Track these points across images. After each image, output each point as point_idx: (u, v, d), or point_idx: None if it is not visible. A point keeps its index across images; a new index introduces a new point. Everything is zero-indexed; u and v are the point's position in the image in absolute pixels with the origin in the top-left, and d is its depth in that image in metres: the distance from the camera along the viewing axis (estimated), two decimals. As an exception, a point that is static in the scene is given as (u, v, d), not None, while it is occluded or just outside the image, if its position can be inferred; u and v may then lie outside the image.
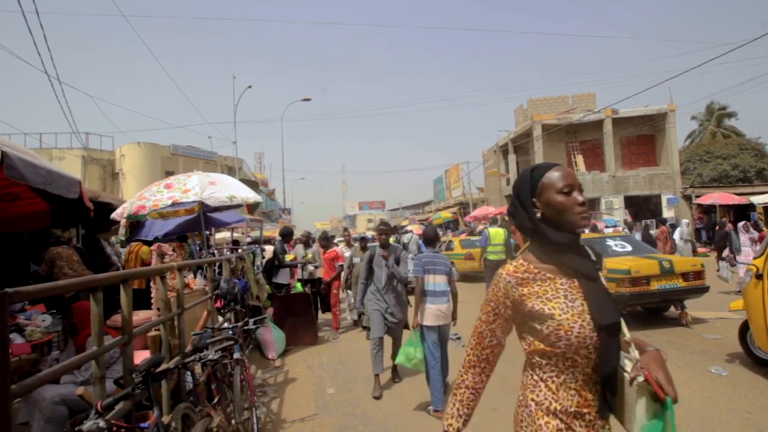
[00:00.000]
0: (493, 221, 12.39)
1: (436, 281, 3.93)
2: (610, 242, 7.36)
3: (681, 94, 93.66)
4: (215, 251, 8.07)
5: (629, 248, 7.18)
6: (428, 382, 3.87)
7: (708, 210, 20.57)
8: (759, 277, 4.12)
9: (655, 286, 6.15)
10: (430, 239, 4.31)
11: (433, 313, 3.85)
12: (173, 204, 5.34)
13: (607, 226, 15.36)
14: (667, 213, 21.68)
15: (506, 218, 21.22)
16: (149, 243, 6.04)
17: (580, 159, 24.82)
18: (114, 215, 5.51)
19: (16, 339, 3.33)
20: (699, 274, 6.43)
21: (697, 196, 20.75)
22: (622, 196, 22.83)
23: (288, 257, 7.34)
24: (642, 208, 23.37)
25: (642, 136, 24.90)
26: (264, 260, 7.70)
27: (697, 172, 24.07)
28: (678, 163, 23.21)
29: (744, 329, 4.64)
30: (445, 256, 4.22)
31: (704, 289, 6.43)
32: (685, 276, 6.34)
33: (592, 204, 23.04)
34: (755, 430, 3.25)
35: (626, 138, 24.77)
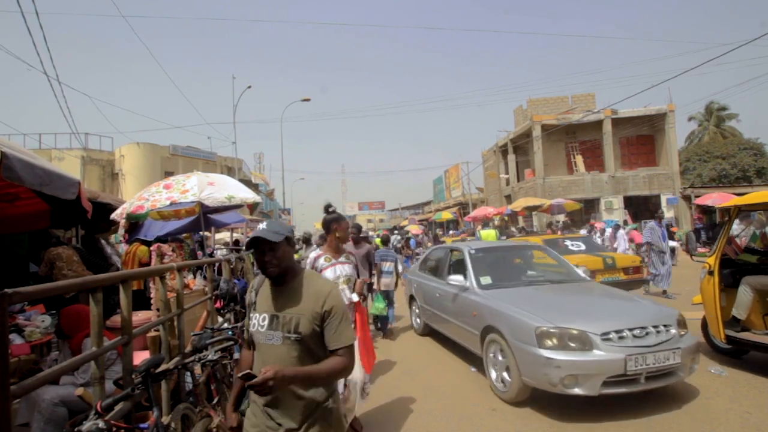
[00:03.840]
0: (485, 223, 12.54)
1: (387, 266, 6.77)
2: (568, 242, 8.88)
3: (681, 94, 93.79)
4: (214, 251, 8.07)
5: (583, 247, 8.73)
6: (381, 320, 6.65)
7: (708, 210, 20.59)
8: (711, 273, 4.61)
9: (599, 279, 7.17)
10: (384, 241, 8.23)
11: (385, 282, 6.72)
12: (171, 204, 5.34)
13: (606, 226, 15.38)
14: (667, 213, 21.70)
15: (506, 218, 21.27)
16: (148, 243, 6.04)
17: (579, 159, 24.84)
18: (114, 216, 5.51)
19: (16, 339, 3.33)
20: (638, 269, 7.88)
21: (697, 196, 20.78)
22: (621, 197, 22.85)
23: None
24: (641, 208, 23.38)
25: (641, 137, 24.94)
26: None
27: (697, 172, 24.10)
28: (677, 164, 23.24)
29: (705, 321, 4.93)
30: (393, 251, 7.29)
31: (643, 281, 8.06)
32: (625, 270, 7.62)
33: (592, 204, 23.08)
34: (755, 430, 3.26)
35: (626, 138, 24.81)
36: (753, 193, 4.88)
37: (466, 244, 6.23)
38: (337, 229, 3.18)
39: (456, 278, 4.98)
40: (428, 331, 6.42)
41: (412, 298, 6.90)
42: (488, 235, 9.66)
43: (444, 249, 6.53)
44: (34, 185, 2.55)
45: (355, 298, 3.21)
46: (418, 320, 6.69)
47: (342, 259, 3.26)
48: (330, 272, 3.10)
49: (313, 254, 3.19)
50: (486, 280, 4.86)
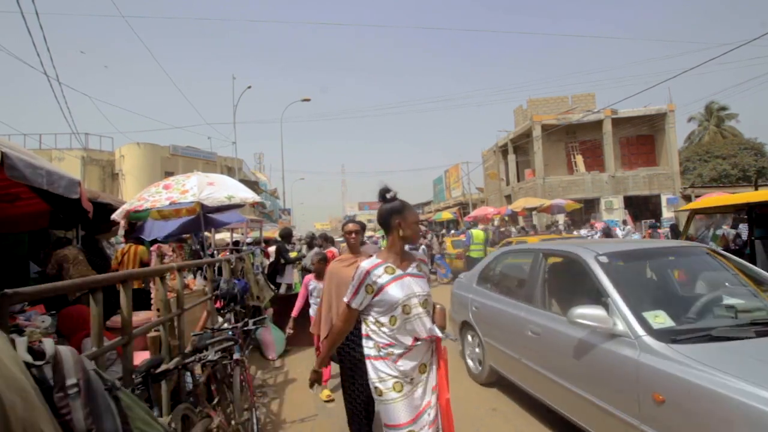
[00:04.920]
0: (473, 224, 13.09)
1: None
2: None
3: (681, 94, 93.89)
4: (214, 252, 8.08)
5: None
6: None
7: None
8: None
9: None
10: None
11: None
12: (171, 204, 5.35)
13: (606, 227, 15.39)
14: (667, 213, 21.70)
15: (506, 219, 21.24)
16: (144, 242, 6.05)
17: (579, 159, 24.84)
18: (114, 216, 5.52)
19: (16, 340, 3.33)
20: None
21: (697, 196, 20.77)
22: (621, 197, 22.85)
23: (292, 254, 7.38)
24: (642, 208, 23.40)
25: (641, 137, 24.93)
26: (263, 261, 7.71)
27: (697, 172, 24.12)
28: (677, 164, 23.24)
29: None
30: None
31: None
32: None
33: (592, 204, 23.08)
34: None
35: (626, 138, 24.80)
36: (706, 198, 5.58)
37: (583, 245, 3.40)
38: (401, 225, 2.08)
39: (586, 313, 2.55)
40: (495, 379, 4.25)
41: (465, 326, 4.69)
42: (478, 234, 9.98)
43: (530, 252, 4.04)
44: (41, 184, 2.56)
45: (438, 332, 2.07)
46: (477, 358, 4.47)
47: (412, 269, 2.13)
48: (396, 289, 2.01)
49: (366, 263, 2.06)
50: (660, 319, 2.51)
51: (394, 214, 2.09)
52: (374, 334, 2.06)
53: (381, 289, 2.02)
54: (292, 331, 4.62)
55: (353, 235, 3.17)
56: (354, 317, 2.12)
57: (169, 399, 2.52)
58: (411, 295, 2.04)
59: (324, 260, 4.44)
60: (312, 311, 4.37)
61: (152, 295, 4.17)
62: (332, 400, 4.19)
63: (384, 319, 2.03)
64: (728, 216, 8.96)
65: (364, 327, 2.12)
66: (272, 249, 8.61)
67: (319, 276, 4.33)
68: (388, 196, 2.14)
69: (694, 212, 5.61)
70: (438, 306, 2.22)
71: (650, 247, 3.80)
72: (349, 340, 2.84)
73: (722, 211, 7.04)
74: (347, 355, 2.94)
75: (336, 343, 2.21)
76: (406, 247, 2.17)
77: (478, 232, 10.45)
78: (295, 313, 4.51)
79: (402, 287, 2.04)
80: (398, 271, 2.07)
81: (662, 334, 2.39)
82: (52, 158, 21.72)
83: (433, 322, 2.12)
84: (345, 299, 2.09)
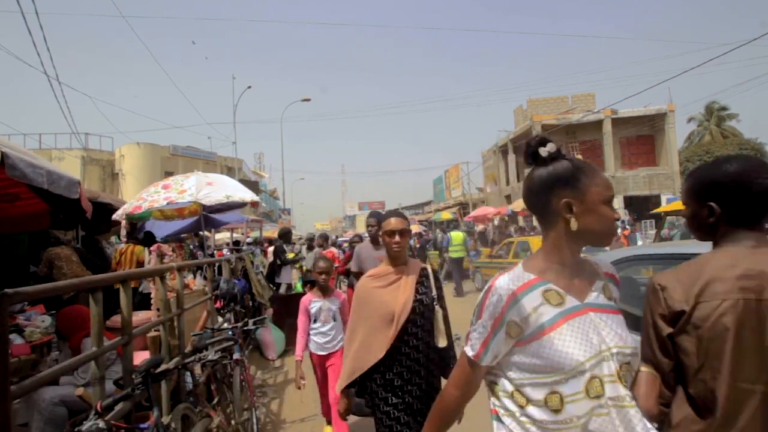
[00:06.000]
0: (454, 226, 13.94)
1: None
2: None
3: (681, 94, 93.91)
4: (214, 252, 8.09)
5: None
6: None
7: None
8: None
9: None
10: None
11: None
12: (169, 204, 5.35)
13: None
14: (667, 213, 21.70)
15: (506, 218, 21.21)
16: (142, 242, 6.06)
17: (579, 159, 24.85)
18: (115, 216, 5.53)
19: (16, 340, 3.33)
20: None
21: (697, 196, 20.75)
22: (621, 197, 22.85)
23: (289, 255, 7.38)
24: (642, 208, 23.40)
25: (641, 137, 24.93)
26: (263, 261, 7.72)
27: (697, 173, 24.07)
28: (677, 164, 23.24)
29: None
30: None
31: None
32: None
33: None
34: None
35: (626, 138, 24.81)
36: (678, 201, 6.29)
37: None
38: (572, 208, 1.02)
39: None
40: None
41: None
42: (457, 235, 10.72)
43: None
44: (41, 184, 2.57)
45: None
46: None
47: (597, 296, 1.06)
48: (573, 339, 0.97)
49: (506, 281, 1.04)
50: None
51: (557, 187, 1.05)
52: (510, 419, 1.04)
53: (540, 333, 0.99)
54: (304, 383, 3.19)
55: (397, 238, 1.92)
56: (478, 381, 1.12)
57: (169, 399, 2.53)
58: (603, 355, 0.98)
59: (328, 273, 3.25)
60: (312, 345, 3.21)
61: (152, 295, 4.18)
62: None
63: (537, 395, 1.00)
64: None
65: (490, 396, 1.13)
66: (272, 249, 8.63)
67: (324, 291, 3.27)
68: (543, 152, 1.09)
69: (666, 214, 6.26)
70: (643, 371, 1.11)
71: None
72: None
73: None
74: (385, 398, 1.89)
75: (448, 423, 1.18)
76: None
77: (456, 234, 10.91)
78: (299, 355, 3.18)
79: (583, 335, 0.98)
80: (571, 300, 1.03)
81: None
82: (52, 158, 21.72)
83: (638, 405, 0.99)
84: (468, 350, 1.09)
